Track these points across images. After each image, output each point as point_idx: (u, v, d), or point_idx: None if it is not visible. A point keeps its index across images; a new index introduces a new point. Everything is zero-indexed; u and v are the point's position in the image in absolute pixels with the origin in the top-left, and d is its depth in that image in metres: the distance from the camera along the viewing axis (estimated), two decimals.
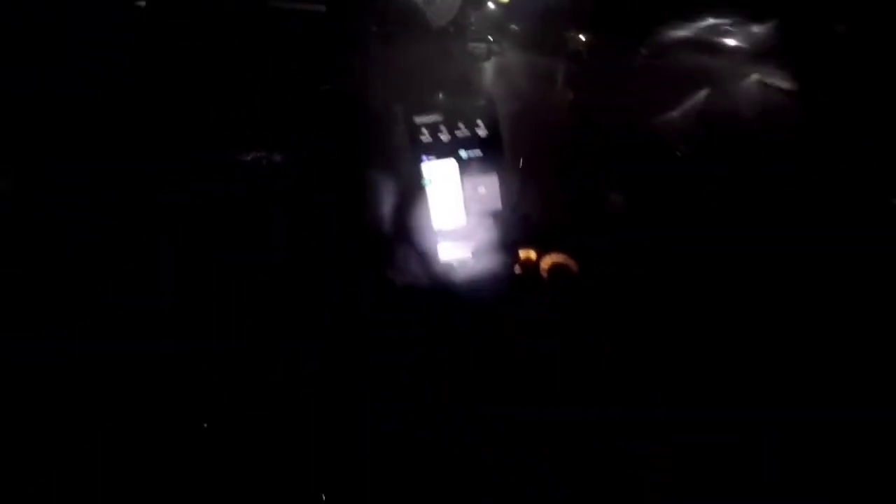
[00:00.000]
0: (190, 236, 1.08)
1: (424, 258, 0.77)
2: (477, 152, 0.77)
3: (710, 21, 1.11)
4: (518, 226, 0.82)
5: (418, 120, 0.75)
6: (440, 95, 0.80)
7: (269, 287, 1.04)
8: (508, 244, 0.80)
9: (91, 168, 1.08)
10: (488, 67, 1.16)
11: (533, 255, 0.83)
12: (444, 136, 0.76)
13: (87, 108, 1.10)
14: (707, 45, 1.10)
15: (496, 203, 0.79)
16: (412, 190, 0.77)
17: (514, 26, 1.22)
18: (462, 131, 0.76)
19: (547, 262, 0.82)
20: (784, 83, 1.06)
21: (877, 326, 0.98)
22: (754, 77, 1.08)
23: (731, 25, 1.09)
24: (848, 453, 0.97)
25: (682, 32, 1.10)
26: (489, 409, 0.91)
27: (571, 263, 0.82)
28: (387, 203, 0.81)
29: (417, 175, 0.76)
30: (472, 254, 0.79)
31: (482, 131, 0.77)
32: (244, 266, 1.05)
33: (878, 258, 0.95)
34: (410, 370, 0.88)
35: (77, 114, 1.10)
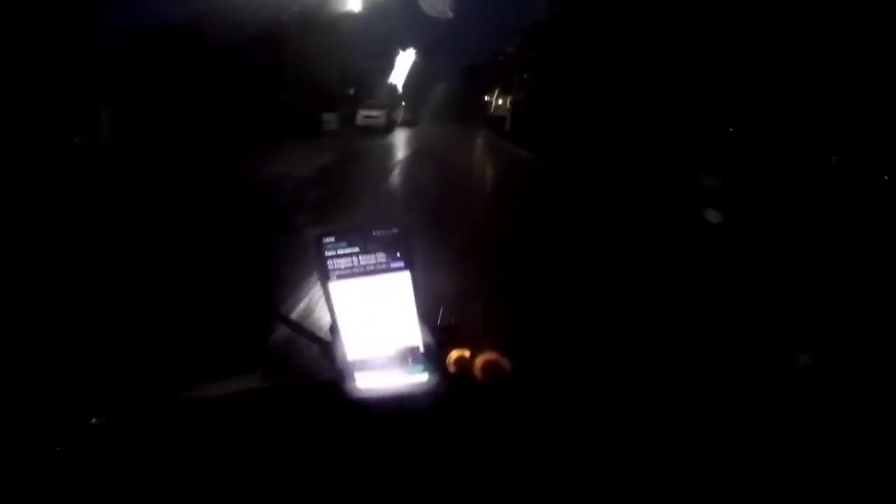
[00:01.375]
0: (190, 236, 1.08)
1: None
2: (394, 275, 0.78)
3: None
4: (445, 334, 0.85)
5: (329, 251, 0.77)
6: (353, 223, 0.81)
7: (269, 287, 1.04)
8: (434, 354, 0.82)
9: (91, 168, 1.08)
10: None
11: (467, 353, 0.86)
12: (358, 261, 0.77)
13: (87, 108, 1.10)
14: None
15: (415, 322, 0.80)
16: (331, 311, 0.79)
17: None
18: (377, 256, 0.78)
19: (480, 360, 0.84)
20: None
21: (877, 327, 0.98)
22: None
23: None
24: (848, 453, 0.97)
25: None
26: (489, 408, 0.91)
27: (504, 361, 0.84)
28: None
29: (330, 297, 0.78)
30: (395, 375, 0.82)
31: (397, 259, 0.78)
32: (244, 266, 1.05)
33: (880, 260, 0.95)
34: None
35: (77, 114, 1.10)
